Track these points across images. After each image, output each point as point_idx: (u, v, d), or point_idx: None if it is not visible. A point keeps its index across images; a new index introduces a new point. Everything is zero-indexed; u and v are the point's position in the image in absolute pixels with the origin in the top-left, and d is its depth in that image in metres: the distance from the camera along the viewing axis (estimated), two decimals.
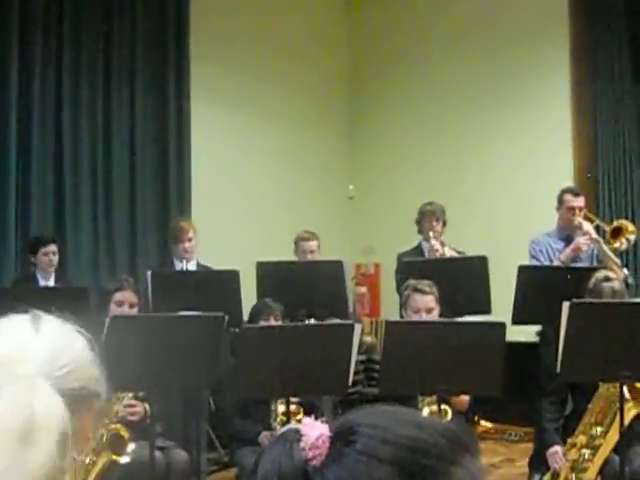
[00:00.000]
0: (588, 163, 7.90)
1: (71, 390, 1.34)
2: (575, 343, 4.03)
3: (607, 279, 4.58)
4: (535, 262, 6.12)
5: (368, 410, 1.07)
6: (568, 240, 6.23)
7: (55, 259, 6.23)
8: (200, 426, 5.44)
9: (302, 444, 0.98)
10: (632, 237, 6.14)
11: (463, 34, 8.51)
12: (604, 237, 6.22)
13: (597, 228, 6.33)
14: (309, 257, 6.37)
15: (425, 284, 4.76)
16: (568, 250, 6.06)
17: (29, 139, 6.64)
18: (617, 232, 6.16)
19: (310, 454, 0.97)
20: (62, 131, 6.87)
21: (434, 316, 4.73)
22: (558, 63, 7.96)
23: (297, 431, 1.00)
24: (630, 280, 6.14)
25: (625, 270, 6.10)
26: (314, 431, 0.99)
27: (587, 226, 6.13)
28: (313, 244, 6.42)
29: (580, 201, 6.26)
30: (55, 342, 1.37)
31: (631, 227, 6.19)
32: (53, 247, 6.23)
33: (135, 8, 7.33)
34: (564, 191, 6.33)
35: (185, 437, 5.31)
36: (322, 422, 1.01)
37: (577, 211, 6.21)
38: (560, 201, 6.29)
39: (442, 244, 6.27)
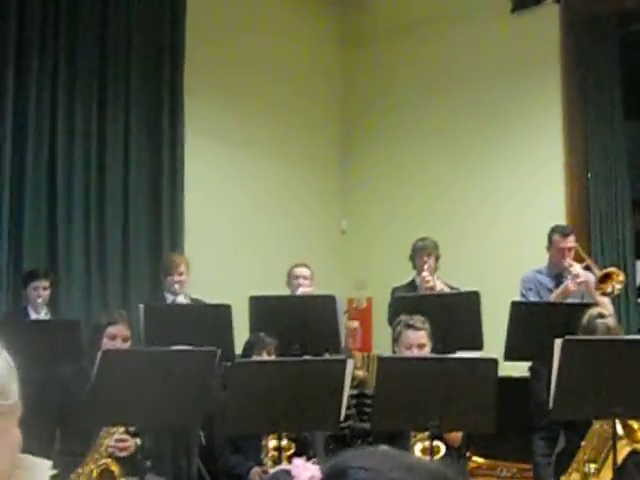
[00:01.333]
0: (580, 199, 7.94)
1: None
2: (567, 380, 4.02)
3: (601, 316, 4.58)
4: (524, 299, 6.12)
5: (359, 451, 1.07)
6: (558, 278, 6.24)
7: (45, 294, 6.19)
8: (191, 461, 5.40)
9: None
10: (619, 286, 6.08)
11: (455, 71, 8.58)
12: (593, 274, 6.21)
13: (587, 269, 6.31)
14: (301, 282, 6.45)
15: (417, 320, 4.76)
16: (558, 292, 6.07)
17: (22, 170, 6.64)
18: (606, 278, 6.13)
19: None
20: (55, 163, 6.88)
21: (426, 352, 4.72)
22: (550, 100, 8.02)
23: (288, 472, 0.99)
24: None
25: None
26: (305, 472, 0.99)
27: (577, 269, 6.12)
28: (305, 271, 6.55)
29: (570, 241, 6.25)
30: None
31: (621, 276, 6.12)
32: (44, 282, 6.20)
33: (130, 40, 7.37)
34: (553, 230, 6.32)
35: (176, 472, 5.27)
36: (313, 463, 1.01)
37: (567, 252, 6.20)
38: (550, 241, 6.30)
39: (432, 275, 6.29)
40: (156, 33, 7.57)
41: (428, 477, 1.02)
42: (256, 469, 4.59)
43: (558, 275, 6.26)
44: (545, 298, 6.12)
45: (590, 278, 6.08)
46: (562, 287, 6.07)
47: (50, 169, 6.87)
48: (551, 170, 7.99)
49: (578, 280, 6.00)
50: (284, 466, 1.04)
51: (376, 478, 1.00)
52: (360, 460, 1.04)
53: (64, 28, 6.93)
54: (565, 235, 6.27)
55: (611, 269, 6.25)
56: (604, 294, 6.04)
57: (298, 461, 1.03)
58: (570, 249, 6.23)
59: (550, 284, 6.24)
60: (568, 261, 6.16)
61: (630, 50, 8.04)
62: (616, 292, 6.15)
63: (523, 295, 6.19)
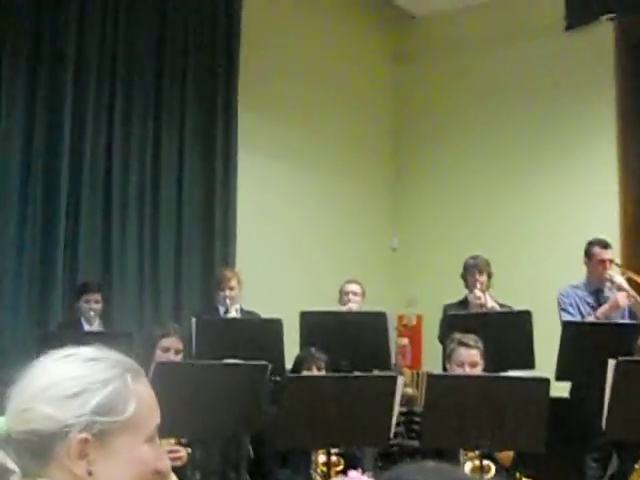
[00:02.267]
0: (635, 222, 7.85)
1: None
2: (621, 401, 3.98)
3: None
4: (565, 315, 6.03)
5: (412, 465, 1.08)
6: (597, 293, 6.15)
7: (97, 307, 6.27)
8: (240, 474, 5.43)
9: None
10: None
11: (508, 90, 8.56)
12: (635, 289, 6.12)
13: (628, 280, 6.22)
14: (351, 298, 6.48)
15: (470, 338, 4.74)
16: (606, 307, 5.98)
17: (79, 184, 6.73)
18: None
19: None
20: (111, 178, 6.97)
21: (478, 370, 4.70)
22: (604, 121, 7.96)
23: None
24: None
25: None
26: None
27: (619, 279, 6.05)
28: (355, 287, 6.58)
29: (610, 253, 6.17)
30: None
31: None
32: (96, 296, 6.28)
33: (186, 56, 7.46)
34: (592, 243, 6.23)
35: None
36: (368, 476, 1.03)
37: (607, 263, 6.13)
38: (588, 254, 6.20)
39: (484, 292, 6.26)
40: (211, 49, 7.65)
41: None
42: None
43: (597, 290, 6.16)
44: (586, 313, 6.05)
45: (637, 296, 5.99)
46: (611, 301, 5.97)
47: (106, 184, 6.96)
48: (605, 193, 7.92)
49: (627, 294, 5.91)
50: (341, 478, 1.07)
51: None
52: (412, 474, 1.05)
53: (121, 45, 7.03)
54: (605, 246, 6.19)
55: None
56: None
57: (353, 473, 1.05)
58: (610, 261, 6.15)
59: (589, 299, 6.15)
60: (609, 272, 6.07)
61: None
62: None
63: (564, 310, 6.09)
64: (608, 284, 6.06)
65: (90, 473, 1.45)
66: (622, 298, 5.91)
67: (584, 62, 8.08)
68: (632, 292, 5.99)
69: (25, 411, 1.46)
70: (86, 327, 6.23)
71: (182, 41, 7.46)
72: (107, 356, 1.55)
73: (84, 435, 1.44)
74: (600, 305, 6.06)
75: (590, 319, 5.93)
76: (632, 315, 5.98)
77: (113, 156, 6.99)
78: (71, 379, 1.48)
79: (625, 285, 6.02)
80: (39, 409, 1.45)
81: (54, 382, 1.48)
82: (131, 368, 1.56)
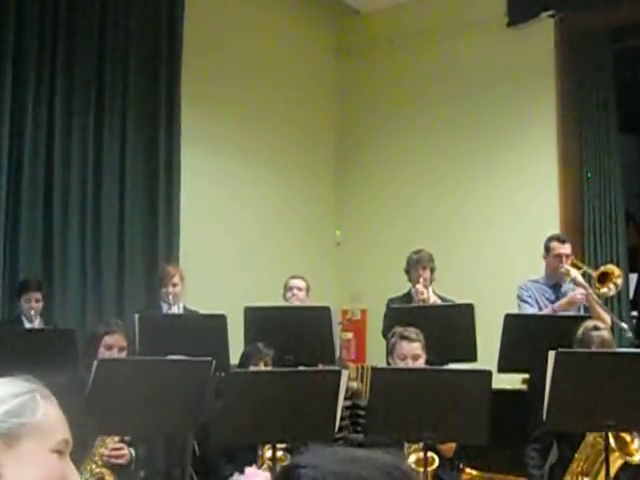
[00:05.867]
0: (574, 212, 7.98)
1: None
2: (561, 392, 4.04)
3: (596, 328, 4.61)
4: (525, 306, 6.14)
5: (309, 452, 1.11)
6: (556, 288, 6.27)
7: (37, 306, 6.16)
8: (185, 471, 5.40)
9: None
10: (619, 281, 6.17)
11: (450, 84, 8.63)
12: (590, 282, 6.25)
13: (584, 275, 6.36)
14: (295, 293, 6.49)
15: (412, 331, 4.79)
16: (563, 302, 6.08)
17: (18, 182, 6.64)
18: (604, 278, 6.19)
19: None
20: (52, 173, 6.88)
21: (420, 363, 4.75)
22: (545, 113, 8.07)
23: None
24: (629, 335, 6.18)
25: (624, 324, 6.14)
26: (255, 479, 1.04)
27: (574, 273, 6.17)
28: (300, 282, 6.60)
29: (567, 248, 6.30)
30: None
31: (617, 271, 6.21)
32: (37, 294, 6.18)
33: (127, 50, 7.37)
34: (551, 238, 6.38)
35: None
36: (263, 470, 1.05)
37: (564, 258, 6.25)
38: (547, 249, 6.33)
39: (427, 287, 6.32)
40: (153, 43, 7.58)
41: (374, 468, 1.06)
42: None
43: (556, 285, 6.28)
44: (544, 306, 6.15)
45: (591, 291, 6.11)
46: (569, 297, 6.08)
47: (46, 180, 6.87)
48: (545, 183, 8.03)
49: (584, 291, 6.02)
50: (238, 476, 1.10)
51: (318, 474, 1.04)
52: (307, 459, 1.08)
53: (61, 38, 6.93)
54: (562, 242, 6.32)
55: (606, 267, 6.32)
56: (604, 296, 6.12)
57: (250, 469, 1.08)
58: (567, 256, 6.26)
59: (548, 293, 6.26)
60: (565, 267, 6.18)
61: (625, 65, 8.10)
62: (618, 288, 6.21)
63: (524, 301, 6.19)
64: (566, 278, 6.18)
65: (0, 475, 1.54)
66: (580, 295, 6.01)
67: (526, 57, 8.18)
68: (586, 285, 6.11)
69: None
70: (27, 325, 6.14)
71: (123, 37, 7.36)
72: (19, 381, 1.66)
73: None
74: (558, 299, 6.17)
75: (547, 311, 6.03)
76: (587, 309, 6.10)
77: (54, 152, 6.89)
78: None
79: (580, 279, 6.14)
80: None
81: None
82: (41, 390, 1.66)
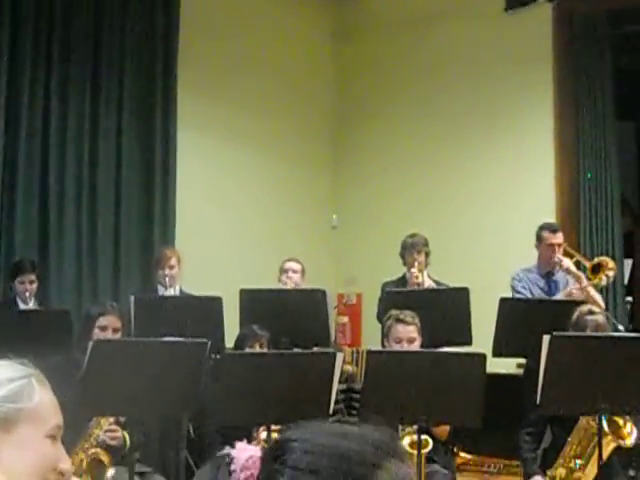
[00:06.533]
0: (570, 198, 7.97)
1: None
2: (555, 376, 4.05)
3: (591, 312, 4.62)
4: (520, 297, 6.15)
5: (298, 427, 1.12)
6: (548, 277, 6.28)
7: (32, 288, 6.17)
8: (179, 452, 5.42)
9: (233, 466, 1.03)
10: (612, 273, 6.17)
11: (447, 69, 8.60)
12: (584, 271, 6.26)
13: (577, 264, 6.37)
14: (290, 276, 6.51)
15: (407, 314, 4.79)
16: (560, 296, 6.08)
17: (15, 164, 6.64)
18: (597, 268, 6.19)
19: (242, 475, 1.03)
20: (48, 157, 6.88)
21: (416, 346, 4.76)
22: (541, 99, 8.05)
23: (229, 455, 1.06)
24: (620, 327, 6.20)
25: (620, 327, 6.17)
26: (244, 453, 1.05)
27: (567, 263, 6.17)
28: (295, 265, 6.62)
29: (559, 237, 6.29)
30: None
31: (611, 263, 6.21)
32: (31, 276, 6.18)
33: (124, 35, 7.36)
34: (542, 228, 6.36)
35: (163, 463, 5.29)
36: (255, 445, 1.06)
37: (556, 248, 6.24)
38: (539, 238, 6.32)
39: (421, 272, 6.33)
40: (150, 29, 7.56)
41: (363, 442, 1.06)
42: None
43: (549, 274, 6.29)
44: (537, 295, 6.15)
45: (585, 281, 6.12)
46: (566, 292, 6.09)
47: (42, 162, 6.87)
48: (542, 169, 8.02)
49: (579, 287, 6.03)
50: (229, 449, 1.11)
51: (306, 446, 1.05)
52: (296, 433, 1.09)
53: (57, 24, 6.92)
54: (554, 231, 6.31)
55: (600, 258, 6.33)
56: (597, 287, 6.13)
57: (240, 444, 1.09)
58: (559, 245, 6.27)
59: (540, 282, 6.27)
60: (558, 256, 6.19)
61: (622, 50, 8.09)
62: (610, 280, 6.22)
63: (518, 293, 6.20)
64: (559, 268, 6.19)
65: None
66: (576, 291, 6.02)
67: (523, 42, 8.15)
68: (580, 274, 6.12)
69: None
70: (22, 306, 6.15)
71: (120, 22, 7.35)
72: (15, 364, 1.68)
73: None
74: (551, 288, 6.20)
75: None
76: None
77: (50, 136, 6.90)
78: None
79: (573, 268, 6.16)
80: None
81: None
82: (37, 374, 1.69)
